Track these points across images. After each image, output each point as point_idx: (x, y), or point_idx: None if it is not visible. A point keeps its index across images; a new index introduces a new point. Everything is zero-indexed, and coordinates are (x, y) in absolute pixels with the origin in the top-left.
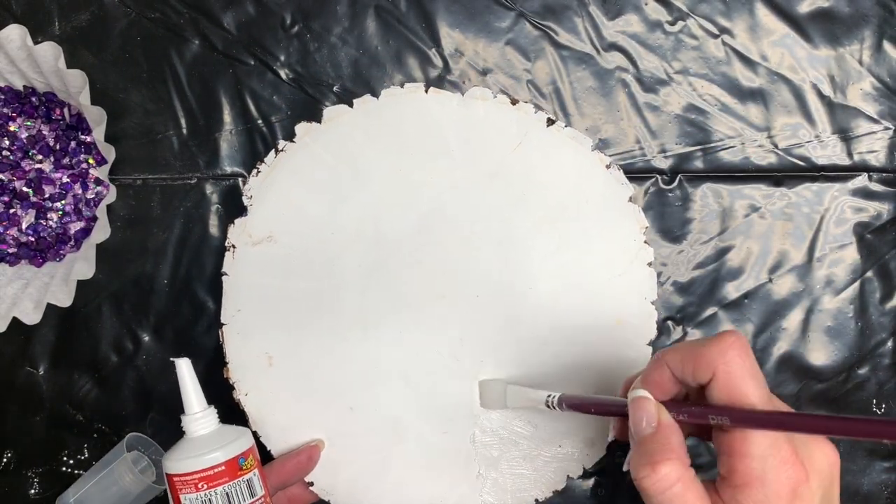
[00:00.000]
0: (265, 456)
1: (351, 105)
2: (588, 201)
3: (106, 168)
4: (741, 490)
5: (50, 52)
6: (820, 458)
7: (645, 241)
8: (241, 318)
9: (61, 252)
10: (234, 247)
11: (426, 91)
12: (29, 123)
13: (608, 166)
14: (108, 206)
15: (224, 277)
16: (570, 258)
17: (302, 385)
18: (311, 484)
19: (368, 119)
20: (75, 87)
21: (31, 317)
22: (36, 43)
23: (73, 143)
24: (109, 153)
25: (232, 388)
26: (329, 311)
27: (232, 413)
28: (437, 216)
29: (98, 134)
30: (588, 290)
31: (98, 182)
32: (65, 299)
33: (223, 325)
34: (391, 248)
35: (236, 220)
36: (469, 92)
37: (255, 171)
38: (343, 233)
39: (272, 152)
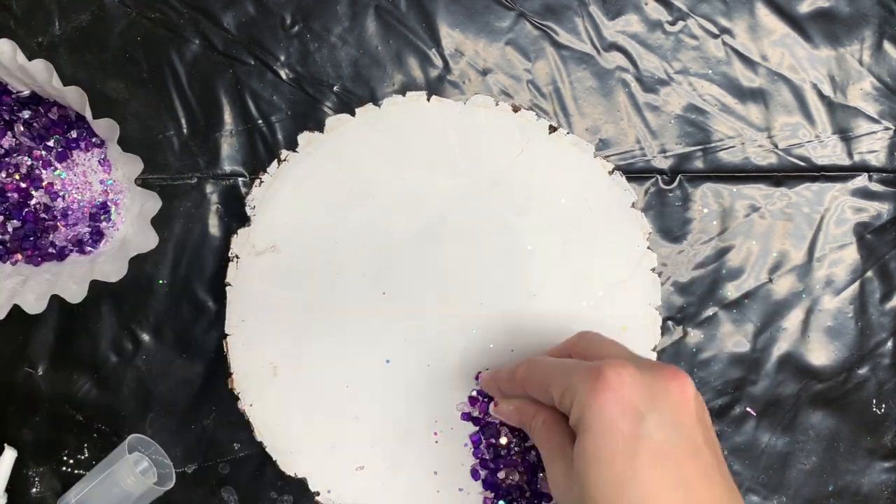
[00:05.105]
0: (272, 466)
1: (353, 113)
2: (591, 208)
3: (132, 176)
4: (581, 435)
5: (42, 68)
6: (664, 393)
7: (648, 247)
8: (245, 328)
9: (65, 252)
10: (237, 257)
11: (428, 99)
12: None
13: (611, 172)
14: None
15: (228, 288)
16: (574, 265)
17: (307, 394)
18: (318, 494)
19: (370, 128)
20: (74, 103)
21: (34, 307)
22: (37, 47)
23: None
24: (136, 163)
25: (237, 398)
26: (334, 320)
27: (236, 423)
28: (440, 224)
29: (113, 148)
30: (593, 296)
31: (110, 189)
32: (76, 295)
33: (227, 335)
34: (395, 256)
35: (239, 231)
36: (471, 100)
37: (257, 181)
38: (347, 242)
39: (275, 162)
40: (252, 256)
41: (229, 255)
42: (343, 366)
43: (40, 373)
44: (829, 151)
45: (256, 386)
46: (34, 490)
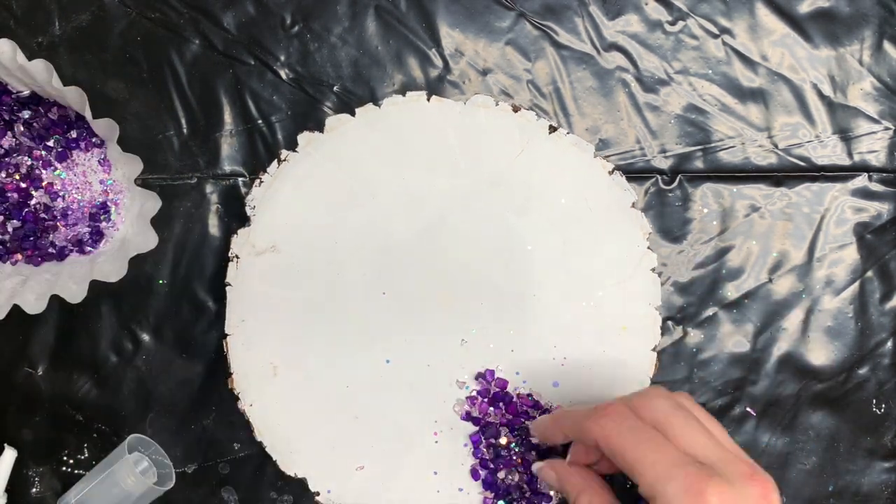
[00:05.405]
0: (272, 466)
1: (353, 113)
2: (591, 208)
3: (132, 176)
4: None
5: (42, 68)
6: (748, 494)
7: (648, 247)
8: (245, 328)
9: (65, 252)
10: (237, 257)
11: (428, 99)
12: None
13: (611, 172)
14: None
15: (228, 288)
16: (574, 265)
17: (307, 394)
18: (318, 494)
19: (370, 128)
20: (74, 103)
21: (34, 307)
22: (37, 47)
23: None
24: (136, 163)
25: (237, 398)
26: (334, 320)
27: (236, 423)
28: (440, 224)
29: (113, 148)
30: (593, 296)
31: (110, 189)
32: (76, 295)
33: (227, 335)
34: (395, 256)
35: (239, 231)
36: (471, 100)
37: (257, 181)
38: (347, 242)
39: (275, 162)
40: (252, 256)
41: (229, 255)
42: (343, 366)
43: (40, 373)
44: (829, 151)
45: (256, 386)
46: (34, 490)
